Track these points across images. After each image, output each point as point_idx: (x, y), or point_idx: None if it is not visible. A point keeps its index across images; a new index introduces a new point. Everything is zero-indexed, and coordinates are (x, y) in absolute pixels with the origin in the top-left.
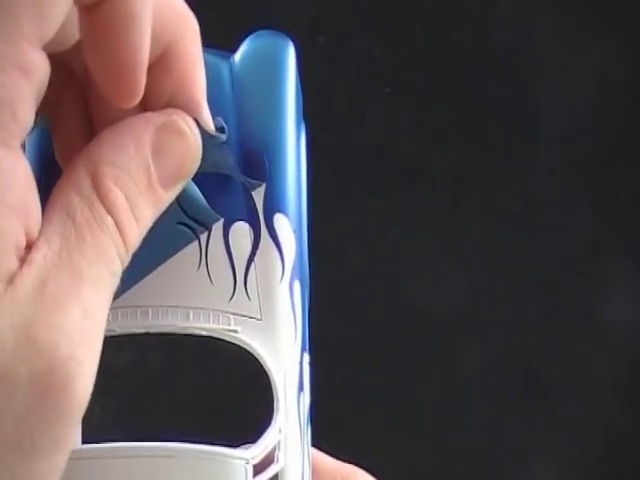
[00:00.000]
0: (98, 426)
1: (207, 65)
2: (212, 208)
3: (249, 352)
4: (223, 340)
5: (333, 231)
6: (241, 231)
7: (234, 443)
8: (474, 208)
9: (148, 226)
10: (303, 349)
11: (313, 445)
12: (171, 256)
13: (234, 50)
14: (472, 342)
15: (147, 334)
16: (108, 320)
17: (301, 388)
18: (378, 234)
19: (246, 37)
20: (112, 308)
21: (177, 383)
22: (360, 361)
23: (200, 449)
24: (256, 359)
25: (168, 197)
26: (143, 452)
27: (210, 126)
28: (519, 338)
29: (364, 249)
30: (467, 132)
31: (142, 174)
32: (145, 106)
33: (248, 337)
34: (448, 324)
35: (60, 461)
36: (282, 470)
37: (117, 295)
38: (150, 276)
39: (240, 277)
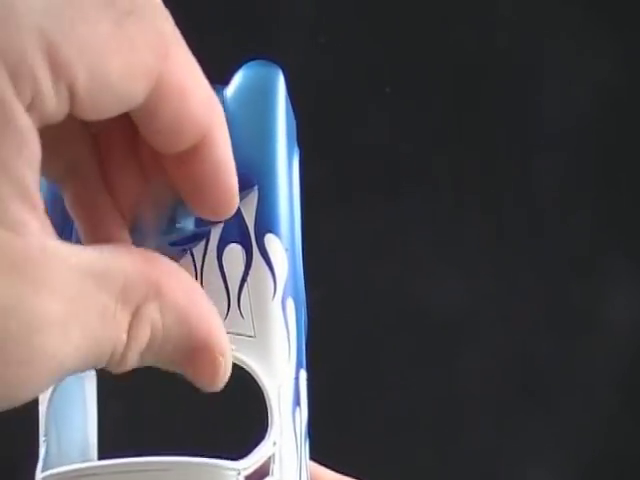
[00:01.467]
0: (99, 428)
1: None
2: (201, 228)
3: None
4: None
5: (333, 232)
6: (234, 253)
7: (231, 457)
8: (475, 209)
9: None
10: (299, 365)
11: (313, 459)
12: None
13: (227, 81)
14: (473, 343)
15: None
16: None
17: (297, 403)
18: (379, 235)
19: (241, 64)
20: None
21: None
22: (360, 361)
23: (192, 461)
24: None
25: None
26: (137, 467)
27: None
28: (520, 339)
29: (365, 250)
30: (468, 132)
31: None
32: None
33: (242, 354)
34: (449, 325)
35: None
36: None
37: None
38: None
39: (234, 297)
